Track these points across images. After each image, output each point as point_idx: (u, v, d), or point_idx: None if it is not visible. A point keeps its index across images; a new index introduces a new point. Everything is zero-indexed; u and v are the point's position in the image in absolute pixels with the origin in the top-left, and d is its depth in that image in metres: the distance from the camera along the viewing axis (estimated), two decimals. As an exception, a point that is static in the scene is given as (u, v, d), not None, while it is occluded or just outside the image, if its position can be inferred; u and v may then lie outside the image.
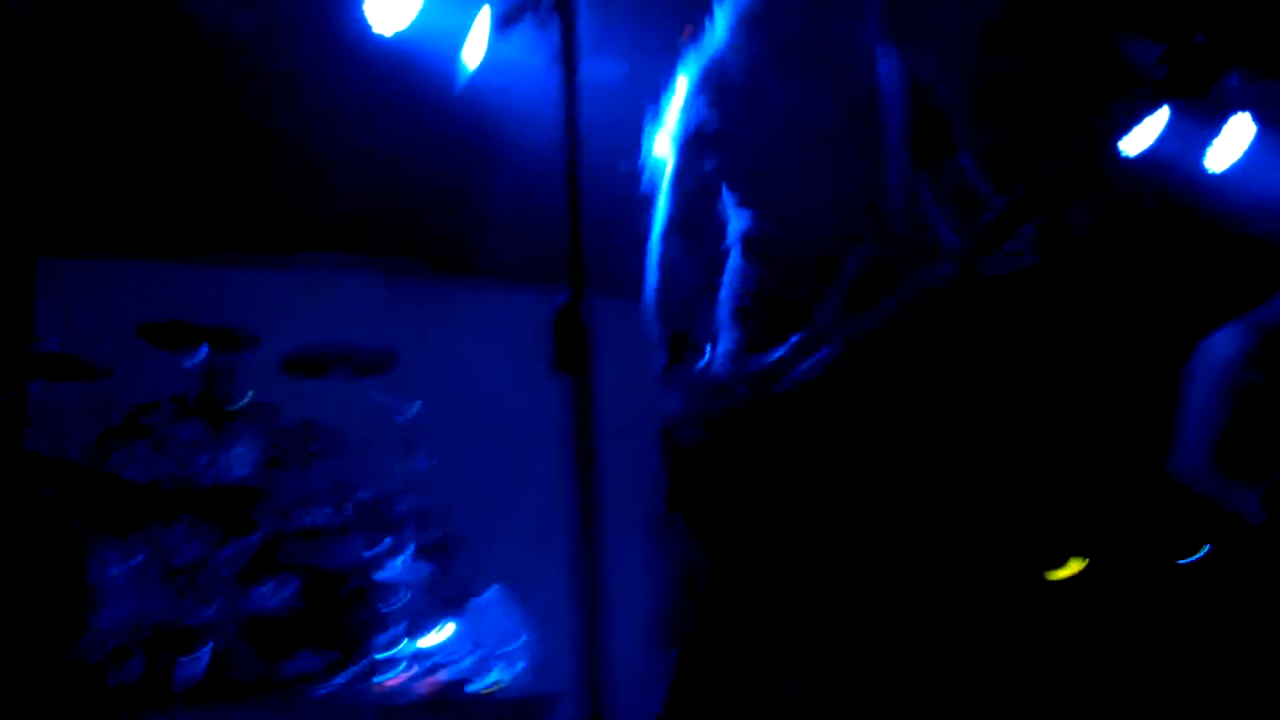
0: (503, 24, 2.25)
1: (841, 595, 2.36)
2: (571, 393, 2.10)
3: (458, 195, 5.84)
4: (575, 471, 2.07)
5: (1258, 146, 5.69)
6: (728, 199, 2.54)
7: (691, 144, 2.57)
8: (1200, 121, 5.69)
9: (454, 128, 5.33)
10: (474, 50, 4.42)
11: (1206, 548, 3.66)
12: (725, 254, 2.55)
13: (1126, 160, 5.60)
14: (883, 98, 2.49)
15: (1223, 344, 3.69)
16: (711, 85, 2.56)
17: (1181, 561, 3.70)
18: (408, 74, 4.99)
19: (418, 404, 5.30)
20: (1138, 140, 5.61)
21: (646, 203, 2.62)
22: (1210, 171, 5.77)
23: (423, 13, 4.71)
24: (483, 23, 4.38)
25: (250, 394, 5.06)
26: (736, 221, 2.54)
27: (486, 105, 5.00)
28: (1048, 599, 5.73)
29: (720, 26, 2.61)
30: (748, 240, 2.51)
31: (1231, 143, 5.70)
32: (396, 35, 4.74)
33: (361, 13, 4.68)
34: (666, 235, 2.57)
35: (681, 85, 2.63)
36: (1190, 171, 5.79)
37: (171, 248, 5.80)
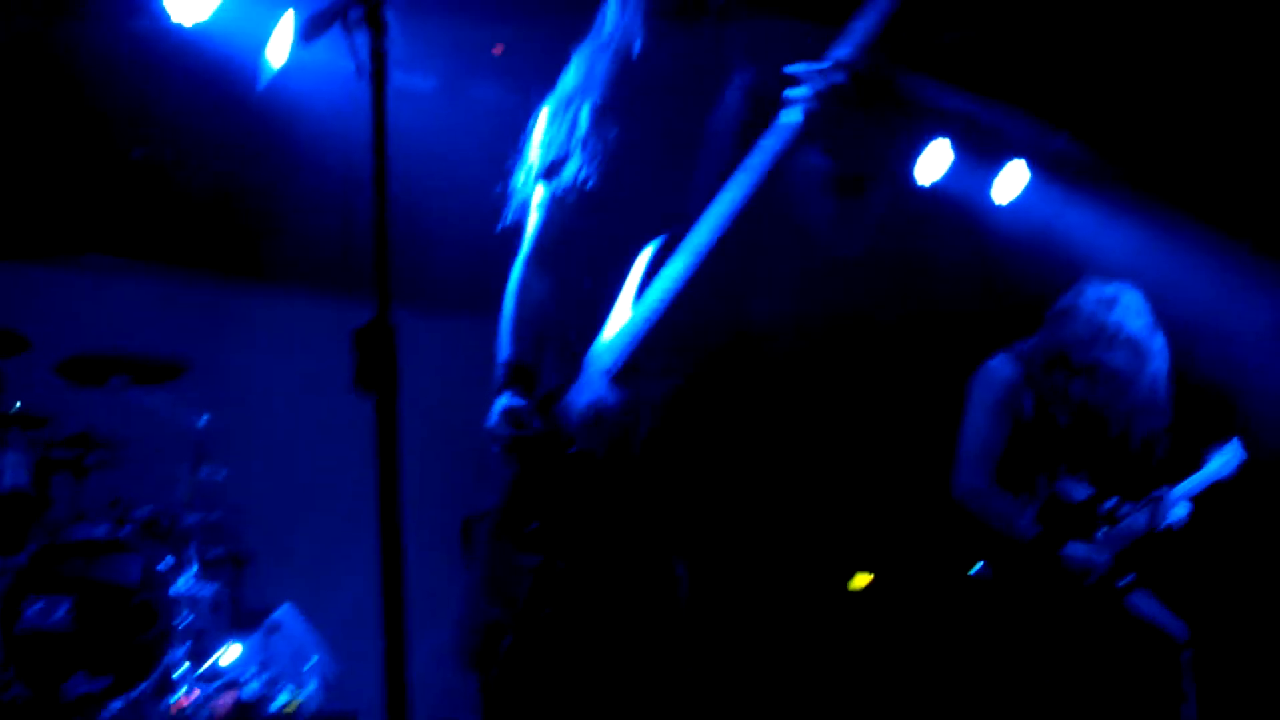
0: (309, 30, 2.20)
1: (668, 610, 2.40)
2: (375, 408, 2.07)
3: (256, 200, 5.66)
4: (377, 487, 2.04)
5: (1031, 186, 6.07)
6: (584, 226, 2.59)
7: (551, 173, 2.61)
8: (985, 160, 6.02)
9: (255, 129, 5.17)
10: (278, 51, 4.28)
11: (980, 564, 3.82)
12: (579, 281, 2.59)
13: (919, 188, 5.87)
14: (723, 113, 2.56)
15: (1000, 368, 3.86)
16: (570, 116, 2.60)
17: (964, 576, 3.86)
18: (206, 69, 4.81)
19: (207, 415, 5.12)
20: (930, 171, 5.89)
21: (513, 231, 2.67)
22: (993, 205, 6.11)
23: (225, 6, 4.54)
24: (288, 24, 4.26)
25: (20, 401, 4.79)
26: (591, 247, 2.58)
27: (291, 109, 4.86)
28: (844, 610, 5.91)
29: (579, 60, 2.65)
30: (596, 264, 2.56)
31: (1010, 181, 6.06)
32: (196, 28, 4.57)
33: (159, 3, 4.49)
34: (526, 262, 2.62)
35: (542, 116, 2.67)
36: (976, 204, 6.11)
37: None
